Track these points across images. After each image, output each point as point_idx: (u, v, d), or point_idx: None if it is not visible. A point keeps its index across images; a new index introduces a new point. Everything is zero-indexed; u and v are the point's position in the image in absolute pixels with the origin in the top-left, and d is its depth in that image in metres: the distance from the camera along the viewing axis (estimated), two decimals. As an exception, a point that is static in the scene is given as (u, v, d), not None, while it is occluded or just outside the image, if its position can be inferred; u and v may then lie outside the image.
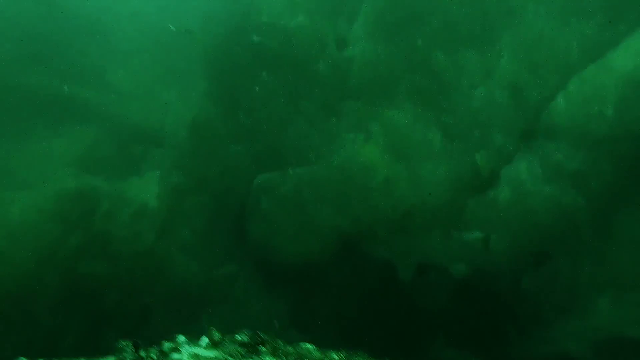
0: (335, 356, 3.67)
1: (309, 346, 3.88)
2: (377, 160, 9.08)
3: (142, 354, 3.35)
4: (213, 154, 10.28)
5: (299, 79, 9.96)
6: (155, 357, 3.36)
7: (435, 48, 9.38)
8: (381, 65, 9.58)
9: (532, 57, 8.89)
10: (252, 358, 3.50)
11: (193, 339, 3.90)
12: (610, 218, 8.86)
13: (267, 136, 9.94)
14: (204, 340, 3.81)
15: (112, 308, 9.25)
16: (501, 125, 8.73)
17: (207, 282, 9.76)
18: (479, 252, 8.32)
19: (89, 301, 9.15)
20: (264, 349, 3.68)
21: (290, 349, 3.74)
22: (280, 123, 9.91)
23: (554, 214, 8.05)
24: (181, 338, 3.81)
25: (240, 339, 3.79)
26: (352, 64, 9.76)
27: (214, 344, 3.75)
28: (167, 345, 3.73)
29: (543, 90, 8.51)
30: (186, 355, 3.50)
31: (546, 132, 8.37)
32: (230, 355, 3.50)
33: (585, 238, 8.32)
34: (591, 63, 8.63)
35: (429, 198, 8.70)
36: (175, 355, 3.39)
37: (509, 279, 8.10)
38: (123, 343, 3.46)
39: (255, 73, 10.15)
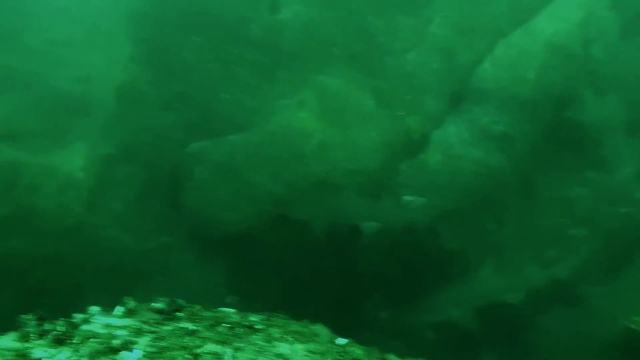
0: (253, 318, 3.67)
1: (229, 310, 3.86)
2: (311, 125, 9.01)
3: (48, 326, 3.20)
4: (143, 122, 9.88)
5: (231, 43, 9.67)
6: (63, 329, 3.22)
7: (369, 12, 9.31)
8: (315, 29, 9.43)
9: (462, 22, 9.00)
10: (167, 324, 3.43)
11: (109, 309, 3.78)
12: (533, 179, 9.27)
13: (199, 103, 9.64)
14: (119, 309, 3.70)
15: (38, 286, 8.86)
16: (432, 89, 8.84)
17: (141, 254, 9.50)
18: (411, 214, 8.51)
19: (13, 280, 8.72)
20: (181, 314, 3.63)
21: (208, 313, 3.70)
22: (212, 89, 9.62)
23: (482, 177, 8.30)
24: (94, 309, 3.68)
25: (156, 306, 3.71)
26: (286, 27, 9.54)
27: (129, 313, 3.65)
28: (79, 317, 3.59)
29: (472, 54, 8.65)
30: (99, 326, 3.39)
31: (474, 96, 8.56)
32: (145, 323, 3.41)
33: (510, 199, 8.67)
34: (517, 28, 8.86)
35: (362, 162, 8.76)
36: (84, 327, 3.27)
37: (433, 238, 8.35)
38: (25, 317, 3.29)
39: (185, 37, 9.76)
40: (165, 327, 3.42)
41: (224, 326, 3.57)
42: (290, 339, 3.49)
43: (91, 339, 3.08)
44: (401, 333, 8.43)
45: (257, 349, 3.26)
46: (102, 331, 3.25)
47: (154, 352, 3.01)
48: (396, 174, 8.77)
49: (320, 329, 3.90)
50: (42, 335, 3.12)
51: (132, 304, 3.65)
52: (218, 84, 9.62)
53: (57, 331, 3.13)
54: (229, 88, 9.62)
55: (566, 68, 8.90)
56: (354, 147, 8.86)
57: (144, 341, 3.14)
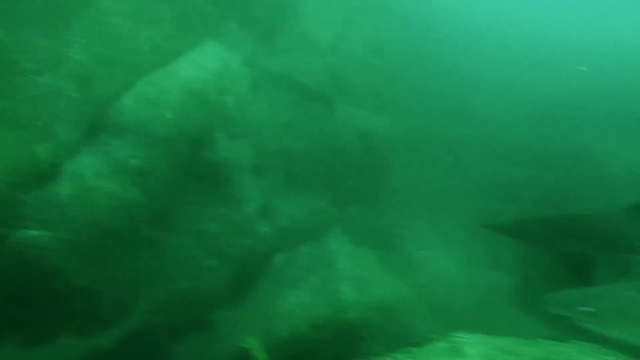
0: None
1: None
2: None
3: None
4: None
5: None
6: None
7: (-1, 25, 8.23)
8: None
9: (103, 52, 8.83)
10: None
11: None
12: (169, 214, 9.65)
13: None
14: None
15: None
16: (66, 117, 8.31)
17: None
18: (35, 250, 7.69)
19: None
20: None
21: None
22: None
23: (116, 210, 8.15)
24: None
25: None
26: None
27: None
28: None
29: (112, 87, 8.55)
30: None
31: (112, 129, 8.43)
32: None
33: (145, 233, 8.77)
34: (158, 68, 9.23)
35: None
36: None
37: (59, 274, 7.75)
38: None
39: None
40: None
41: None
42: None
43: None
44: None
45: None
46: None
47: None
48: (19, 206, 7.83)
49: None
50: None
51: None
52: None
53: None
54: None
55: (202, 111, 9.69)
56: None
57: None
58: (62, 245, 7.90)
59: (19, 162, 7.90)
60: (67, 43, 8.62)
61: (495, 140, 15.42)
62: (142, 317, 9.34)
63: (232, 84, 10.89)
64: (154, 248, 9.16)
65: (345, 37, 14.36)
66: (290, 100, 12.99)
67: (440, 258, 14.61)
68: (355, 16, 14.79)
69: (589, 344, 6.50)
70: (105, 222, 8.01)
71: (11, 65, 8.32)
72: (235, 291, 10.78)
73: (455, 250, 14.66)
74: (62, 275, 7.78)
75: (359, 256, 11.65)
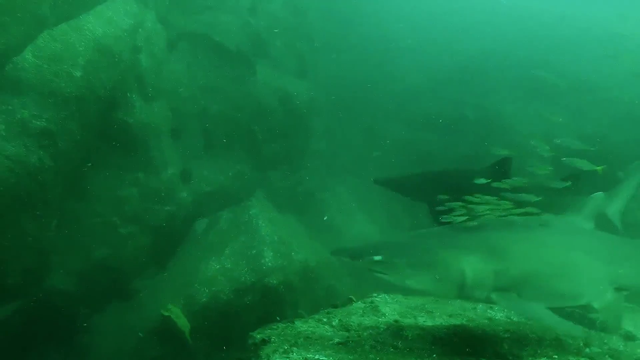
0: None
1: None
2: None
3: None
4: None
5: None
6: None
7: None
8: None
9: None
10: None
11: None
12: (81, 178, 9.10)
13: None
14: None
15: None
16: (-44, 72, 7.49)
17: None
18: None
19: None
20: None
21: None
22: None
23: (19, 175, 7.54)
24: None
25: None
26: None
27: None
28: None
29: (8, 39, 7.75)
30: None
31: (11, 87, 7.70)
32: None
33: (54, 199, 8.22)
34: (62, 21, 8.48)
35: None
36: None
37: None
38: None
39: None
40: None
41: None
42: None
43: None
44: None
45: None
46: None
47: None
48: None
49: None
50: None
51: None
52: None
53: None
54: None
55: (114, 70, 9.10)
56: None
57: None
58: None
59: None
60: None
61: (413, 104, 15.86)
62: (55, 287, 8.87)
63: (147, 42, 10.29)
64: (66, 215, 8.63)
65: (265, -4, 13.97)
66: (209, 61, 12.53)
67: (361, 221, 15.04)
68: (276, -25, 14.39)
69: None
70: (7, 187, 7.38)
71: None
72: (155, 258, 10.48)
73: (375, 214, 15.14)
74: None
75: (281, 220, 11.68)
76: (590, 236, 5.66)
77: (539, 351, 5.06)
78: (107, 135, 9.38)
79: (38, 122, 7.78)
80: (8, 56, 7.75)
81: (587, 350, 5.21)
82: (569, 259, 5.12)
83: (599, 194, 5.88)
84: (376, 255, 4.61)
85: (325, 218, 14.55)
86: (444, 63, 16.25)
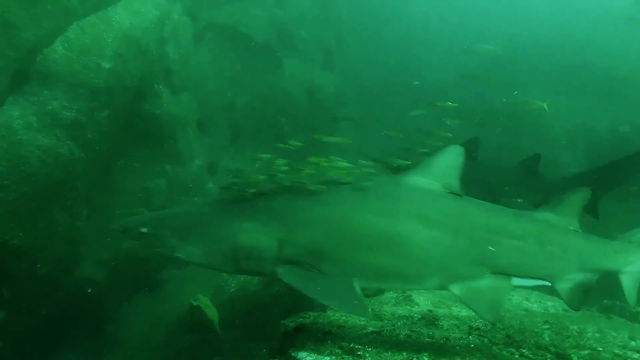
0: None
1: None
2: None
3: None
4: None
5: None
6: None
7: None
8: None
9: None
10: None
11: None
12: (110, 169, 9.15)
13: None
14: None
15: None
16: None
17: None
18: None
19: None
20: None
21: None
22: None
23: (50, 166, 7.60)
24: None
25: None
26: None
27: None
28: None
29: (39, 31, 7.80)
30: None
31: (42, 78, 7.76)
32: None
33: (83, 190, 8.28)
34: (91, 13, 8.52)
35: None
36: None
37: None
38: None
39: None
40: None
41: None
42: None
43: None
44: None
45: None
46: None
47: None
48: None
49: None
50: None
51: None
52: None
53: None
54: None
55: (142, 62, 9.11)
56: None
57: None
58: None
59: None
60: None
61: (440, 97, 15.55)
62: (85, 277, 8.93)
63: (173, 34, 10.28)
64: (95, 206, 8.69)
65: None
66: (235, 53, 12.49)
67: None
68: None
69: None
70: (38, 178, 7.45)
71: None
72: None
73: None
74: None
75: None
76: (440, 202, 4.24)
77: (581, 343, 4.85)
78: (135, 127, 9.41)
79: (68, 113, 7.84)
80: (39, 48, 7.81)
81: (633, 343, 4.97)
82: (402, 229, 4.05)
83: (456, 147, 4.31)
84: (143, 227, 4.11)
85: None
86: (472, 57, 15.91)
